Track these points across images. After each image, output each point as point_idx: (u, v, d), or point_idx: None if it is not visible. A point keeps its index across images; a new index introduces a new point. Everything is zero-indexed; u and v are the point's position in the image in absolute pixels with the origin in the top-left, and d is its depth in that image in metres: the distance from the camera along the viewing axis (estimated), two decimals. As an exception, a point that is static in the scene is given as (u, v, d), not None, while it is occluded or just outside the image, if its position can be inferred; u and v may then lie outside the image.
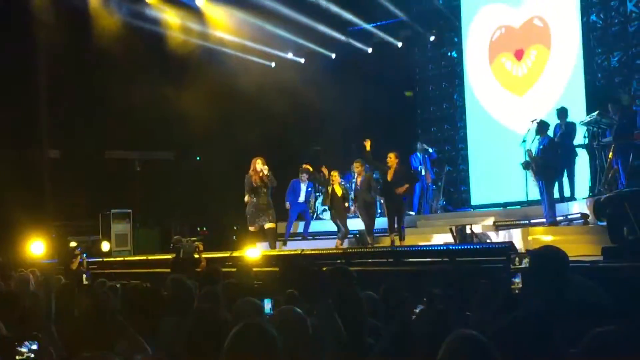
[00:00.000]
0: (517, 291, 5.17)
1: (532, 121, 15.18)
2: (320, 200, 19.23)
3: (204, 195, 21.89)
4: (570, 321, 3.91)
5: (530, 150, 14.53)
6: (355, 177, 15.98)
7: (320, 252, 13.61)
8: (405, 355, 4.14)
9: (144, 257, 17.62)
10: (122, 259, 18.70)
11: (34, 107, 20.35)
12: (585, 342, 3.24)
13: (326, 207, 17.96)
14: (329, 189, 16.20)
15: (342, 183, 16.84)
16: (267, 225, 15.57)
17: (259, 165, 15.46)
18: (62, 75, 19.99)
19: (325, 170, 17.22)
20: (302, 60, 23.54)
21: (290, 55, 23.39)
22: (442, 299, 4.57)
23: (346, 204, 16.35)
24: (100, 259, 18.68)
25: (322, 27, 21.10)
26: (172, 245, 14.04)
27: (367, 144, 15.35)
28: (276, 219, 15.95)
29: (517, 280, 5.22)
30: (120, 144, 23.40)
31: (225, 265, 12.74)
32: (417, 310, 4.43)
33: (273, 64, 23.49)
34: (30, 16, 18.81)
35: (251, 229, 15.81)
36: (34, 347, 4.65)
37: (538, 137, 14.43)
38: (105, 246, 20.87)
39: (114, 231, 21.41)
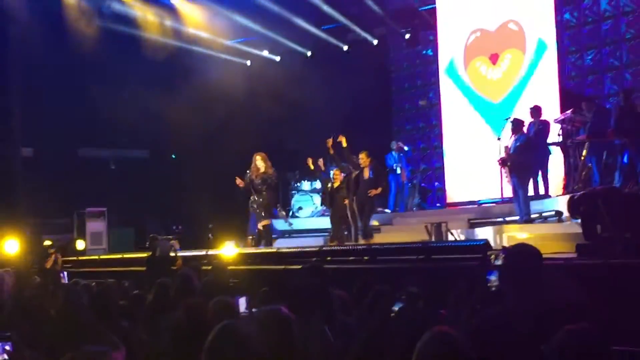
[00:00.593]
0: (493, 289, 5.19)
1: (506, 119, 15.26)
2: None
3: (179, 193, 21.79)
4: (545, 318, 3.93)
5: (505, 147, 14.59)
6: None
7: (295, 250, 13.59)
8: (383, 352, 4.15)
9: (120, 256, 17.53)
10: (97, 257, 18.60)
11: (6, 105, 20.19)
12: (556, 339, 3.28)
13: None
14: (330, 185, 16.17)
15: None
16: (262, 223, 15.60)
17: (258, 162, 15.49)
18: (36, 72, 19.84)
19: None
20: (278, 58, 23.52)
21: (265, 53, 23.36)
22: (420, 297, 4.59)
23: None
24: (75, 258, 18.59)
25: (298, 23, 21.06)
26: (147, 243, 14.01)
27: (344, 140, 15.33)
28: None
29: (493, 277, 5.24)
30: (94, 142, 23.26)
31: (201, 264, 12.71)
32: (396, 308, 4.43)
33: (249, 62, 23.47)
34: (3, 14, 18.68)
35: (259, 227, 15.76)
36: (8, 347, 4.58)
37: (513, 135, 14.50)
38: (80, 245, 20.75)
39: (89, 230, 21.28)
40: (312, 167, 16.07)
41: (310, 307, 4.80)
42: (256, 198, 15.63)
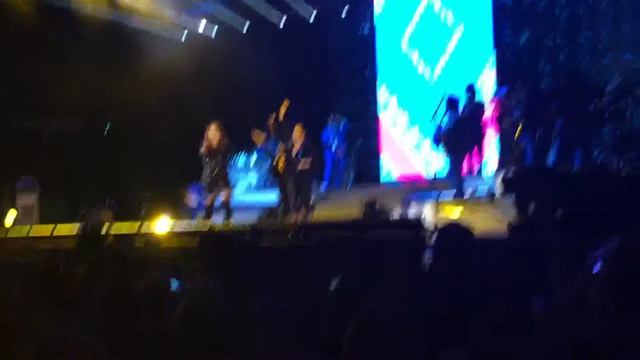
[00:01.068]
0: (427, 268, 5.21)
1: (442, 97, 15.35)
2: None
3: (113, 164, 21.49)
4: (476, 297, 3.96)
5: (439, 125, 14.66)
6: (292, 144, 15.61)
7: (231, 228, 13.52)
8: (318, 331, 4.14)
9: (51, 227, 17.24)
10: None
11: None
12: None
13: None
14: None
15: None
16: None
17: (211, 132, 15.00)
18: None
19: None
20: (213, 34, 23.23)
21: (200, 29, 23.03)
22: (355, 275, 4.58)
23: None
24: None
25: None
26: (79, 217, 13.81)
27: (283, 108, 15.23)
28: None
29: (427, 256, 5.26)
30: (26, 112, 22.78)
31: (134, 240, 12.57)
32: (331, 288, 4.42)
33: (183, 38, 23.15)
34: None
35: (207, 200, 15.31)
36: None
37: (448, 113, 14.57)
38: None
39: (19, 203, 20.88)
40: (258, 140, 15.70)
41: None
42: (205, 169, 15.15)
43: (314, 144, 15.37)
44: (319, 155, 15.82)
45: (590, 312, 3.38)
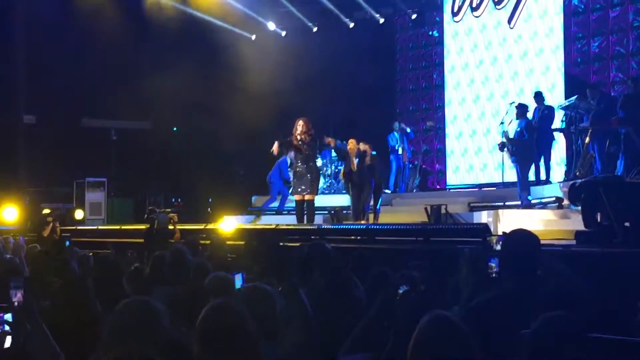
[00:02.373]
0: (493, 274, 5.19)
1: (511, 104, 15.25)
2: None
3: (179, 166, 21.78)
4: (541, 305, 3.93)
5: (507, 132, 14.58)
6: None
7: (294, 227, 13.59)
8: (387, 336, 4.16)
9: (118, 227, 17.54)
10: (95, 228, 18.60)
11: (10, 71, 20.14)
12: (535, 324, 3.32)
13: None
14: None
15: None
16: (306, 197, 14.36)
17: (299, 127, 14.26)
18: (40, 40, 19.77)
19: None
20: (283, 33, 23.40)
21: (271, 27, 23.22)
22: (421, 281, 4.58)
23: None
24: (74, 227, 18.58)
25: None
26: (146, 215, 13.99)
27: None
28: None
29: (493, 263, 5.23)
30: (97, 112, 23.20)
31: (200, 238, 12.71)
32: (401, 292, 4.44)
33: (254, 37, 23.34)
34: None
35: (295, 197, 14.68)
36: (9, 318, 4.43)
37: (517, 120, 14.48)
38: (78, 214, 20.75)
39: (88, 200, 21.28)
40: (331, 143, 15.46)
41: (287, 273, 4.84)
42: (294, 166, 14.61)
43: (369, 154, 15.19)
44: (375, 164, 15.45)
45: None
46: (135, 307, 3.77)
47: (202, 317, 3.57)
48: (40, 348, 3.70)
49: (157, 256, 7.12)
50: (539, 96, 15.80)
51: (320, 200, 17.18)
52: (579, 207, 9.72)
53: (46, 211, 17.52)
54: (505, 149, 14.45)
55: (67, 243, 13.79)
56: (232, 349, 3.47)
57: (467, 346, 3.16)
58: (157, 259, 7.03)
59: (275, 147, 14.48)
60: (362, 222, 14.46)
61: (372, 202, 15.20)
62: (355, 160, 14.95)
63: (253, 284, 4.62)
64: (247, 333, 3.52)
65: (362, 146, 15.26)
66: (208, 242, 9.89)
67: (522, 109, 14.59)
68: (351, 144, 15.14)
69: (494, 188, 17.24)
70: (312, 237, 11.32)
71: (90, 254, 9.12)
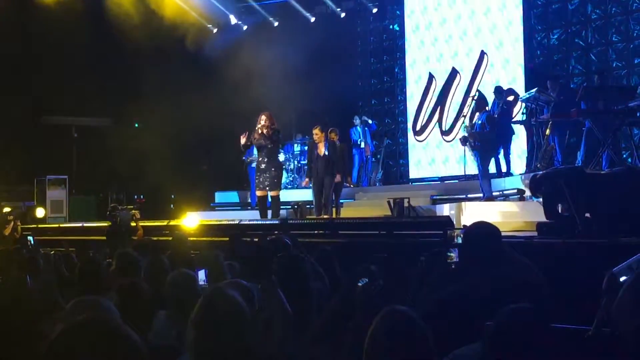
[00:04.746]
0: (453, 266, 5.21)
1: (472, 97, 15.33)
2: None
3: (141, 162, 21.64)
4: (502, 297, 3.95)
5: (468, 125, 14.65)
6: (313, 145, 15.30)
7: (257, 222, 13.56)
8: (345, 329, 4.16)
9: (80, 225, 17.41)
10: (57, 225, 18.45)
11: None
12: (496, 317, 3.33)
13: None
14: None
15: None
16: (272, 193, 14.25)
17: (262, 121, 14.05)
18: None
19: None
20: (245, 27, 23.32)
21: (233, 21, 23.12)
22: (380, 275, 4.59)
23: None
24: (35, 226, 18.43)
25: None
26: (108, 212, 13.90)
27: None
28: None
29: (453, 254, 5.25)
30: (56, 109, 22.98)
31: (162, 234, 12.65)
32: (360, 284, 4.46)
33: (215, 30, 23.23)
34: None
35: (257, 193, 14.49)
36: None
37: (477, 112, 14.54)
38: (39, 212, 20.58)
39: (49, 197, 21.09)
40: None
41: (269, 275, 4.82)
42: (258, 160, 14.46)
43: (335, 145, 15.10)
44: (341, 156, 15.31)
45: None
46: (85, 306, 3.73)
47: (203, 303, 3.53)
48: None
49: (121, 254, 7.08)
50: (498, 91, 15.89)
51: (284, 195, 17.16)
52: (540, 199, 9.77)
53: (7, 209, 17.37)
54: (467, 143, 14.50)
55: (31, 241, 13.70)
56: (230, 335, 3.44)
57: (423, 341, 3.17)
58: (120, 257, 6.99)
59: (243, 138, 14.25)
60: (325, 216, 14.43)
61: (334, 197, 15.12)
62: (324, 150, 14.79)
63: (234, 280, 4.62)
64: (244, 318, 3.50)
65: (334, 136, 15.24)
66: (170, 238, 9.85)
67: (481, 101, 14.66)
68: (316, 135, 15.00)
69: (456, 181, 17.32)
70: (275, 231, 11.31)
71: (52, 252, 9.05)
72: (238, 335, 3.46)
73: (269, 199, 14.29)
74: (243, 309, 3.53)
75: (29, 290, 4.98)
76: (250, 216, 15.50)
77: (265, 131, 14.02)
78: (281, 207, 15.12)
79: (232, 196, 19.99)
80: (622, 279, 3.51)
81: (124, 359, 2.18)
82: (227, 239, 9.47)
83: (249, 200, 18.12)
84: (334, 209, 15.10)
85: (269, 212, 14.25)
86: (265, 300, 4.55)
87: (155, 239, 10.90)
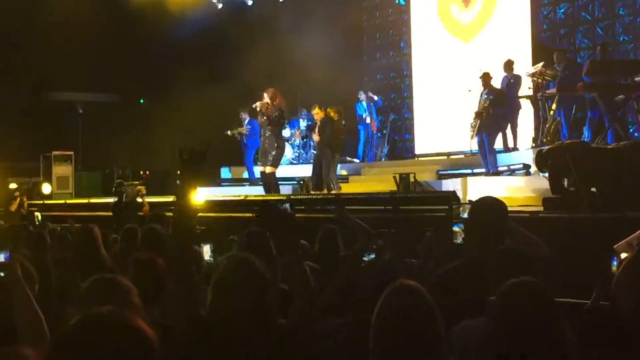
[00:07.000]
0: (459, 240, 5.21)
1: (479, 72, 15.28)
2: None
3: (147, 138, 21.62)
4: (508, 271, 3.95)
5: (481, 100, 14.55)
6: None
7: (263, 198, 13.56)
8: (350, 304, 4.16)
9: (86, 200, 17.43)
10: (63, 201, 18.48)
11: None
12: (502, 290, 3.33)
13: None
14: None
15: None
16: (267, 170, 14.37)
17: (264, 98, 14.15)
18: (4, 14, 19.49)
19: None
20: (250, 2, 23.17)
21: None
22: (386, 249, 4.59)
23: None
24: (41, 201, 18.45)
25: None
26: (114, 188, 13.92)
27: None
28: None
29: (458, 229, 5.25)
30: (62, 85, 22.96)
31: (168, 210, 12.66)
32: (366, 259, 4.45)
33: (220, 5, 23.09)
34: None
35: (260, 169, 14.60)
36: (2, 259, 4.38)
37: (484, 89, 14.47)
38: (46, 188, 20.60)
39: (55, 174, 21.10)
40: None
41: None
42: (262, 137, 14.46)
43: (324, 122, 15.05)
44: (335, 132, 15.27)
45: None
46: (102, 286, 3.74)
47: (224, 267, 3.57)
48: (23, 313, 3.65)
49: (128, 229, 7.09)
50: (507, 65, 15.81)
51: (290, 171, 17.17)
52: (546, 174, 9.76)
53: (13, 186, 17.39)
54: (479, 117, 14.34)
55: (39, 217, 13.74)
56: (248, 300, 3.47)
57: (431, 316, 3.16)
58: (127, 232, 7.00)
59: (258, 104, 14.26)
60: (333, 192, 14.43)
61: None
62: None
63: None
64: (265, 285, 3.52)
65: (333, 114, 15.19)
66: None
67: (486, 78, 14.59)
68: (316, 114, 15.01)
69: (462, 156, 17.30)
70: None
71: (59, 228, 9.06)
72: (257, 302, 3.47)
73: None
74: (265, 276, 3.53)
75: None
76: (257, 192, 15.49)
77: (264, 110, 14.00)
78: (287, 182, 15.17)
79: (238, 172, 20.01)
80: (623, 255, 3.52)
81: (135, 354, 2.19)
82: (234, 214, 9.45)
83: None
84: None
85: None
86: (287, 273, 4.54)
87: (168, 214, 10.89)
